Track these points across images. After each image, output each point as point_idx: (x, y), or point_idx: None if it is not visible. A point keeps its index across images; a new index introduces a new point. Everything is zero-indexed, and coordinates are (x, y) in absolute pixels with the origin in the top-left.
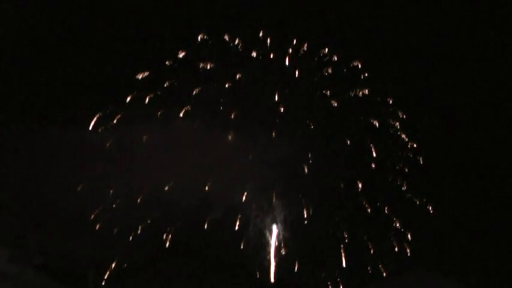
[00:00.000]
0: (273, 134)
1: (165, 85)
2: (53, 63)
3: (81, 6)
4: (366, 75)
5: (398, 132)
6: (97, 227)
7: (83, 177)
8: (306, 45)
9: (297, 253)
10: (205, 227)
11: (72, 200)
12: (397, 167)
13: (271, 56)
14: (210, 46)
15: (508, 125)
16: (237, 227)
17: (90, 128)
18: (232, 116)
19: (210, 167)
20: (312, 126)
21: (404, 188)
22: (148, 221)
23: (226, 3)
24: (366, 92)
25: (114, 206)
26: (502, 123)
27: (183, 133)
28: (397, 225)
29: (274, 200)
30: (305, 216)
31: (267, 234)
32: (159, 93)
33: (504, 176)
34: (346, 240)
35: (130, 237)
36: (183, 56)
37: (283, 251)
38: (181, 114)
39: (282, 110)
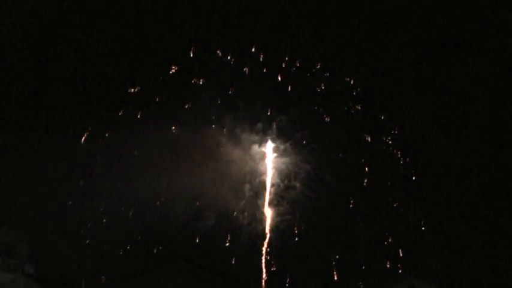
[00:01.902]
0: (266, 145)
1: (157, 99)
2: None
3: (75, 20)
4: (359, 90)
5: (391, 148)
6: (89, 236)
7: (75, 187)
8: (298, 61)
9: (288, 263)
10: (198, 235)
11: (65, 209)
12: (389, 182)
13: (264, 70)
14: (202, 62)
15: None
16: (229, 237)
17: (83, 139)
18: (225, 128)
19: (203, 176)
20: (304, 141)
21: (395, 204)
22: (141, 230)
23: (219, 18)
24: (359, 107)
25: (106, 216)
26: (499, 144)
27: (175, 144)
28: (390, 240)
29: (266, 208)
30: (296, 229)
31: (259, 242)
32: (151, 107)
33: (495, 191)
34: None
35: (123, 247)
36: (175, 71)
37: (274, 263)
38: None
39: (274, 123)
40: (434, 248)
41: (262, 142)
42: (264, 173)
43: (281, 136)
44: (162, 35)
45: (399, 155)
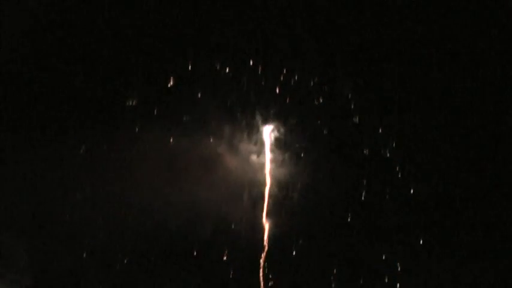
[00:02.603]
0: (265, 155)
1: (155, 111)
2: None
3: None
4: (357, 104)
5: (389, 162)
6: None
7: (72, 198)
8: (296, 73)
9: (287, 277)
10: (194, 247)
11: (63, 220)
12: (387, 197)
13: (262, 83)
14: (201, 73)
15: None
16: (226, 249)
17: (81, 149)
18: (223, 138)
19: (201, 186)
20: (302, 154)
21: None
22: (136, 241)
23: (216, 30)
24: (357, 120)
25: (103, 226)
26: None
27: (172, 154)
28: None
29: (264, 219)
30: (295, 241)
31: (257, 254)
32: (148, 118)
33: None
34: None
35: (119, 258)
36: (173, 84)
37: (272, 277)
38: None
39: (272, 136)
40: (436, 262)
41: (260, 152)
42: (262, 184)
43: (280, 146)
44: (159, 45)
45: (397, 168)
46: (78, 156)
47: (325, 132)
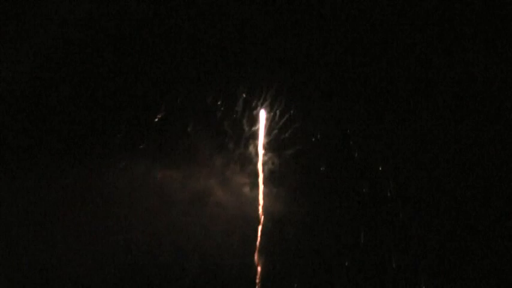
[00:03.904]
0: (258, 190)
1: (141, 146)
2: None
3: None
4: (356, 140)
5: (389, 197)
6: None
7: (56, 234)
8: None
9: None
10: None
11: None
12: (386, 237)
13: (254, 112)
14: (191, 104)
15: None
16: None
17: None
18: (215, 171)
19: (191, 220)
20: (298, 188)
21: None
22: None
23: (207, 60)
24: (356, 155)
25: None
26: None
27: (163, 186)
28: None
29: (256, 256)
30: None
31: None
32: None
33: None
34: None
35: None
36: (161, 117)
37: None
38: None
39: (266, 168)
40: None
41: (254, 185)
42: (255, 219)
43: (274, 179)
44: (146, 78)
45: (397, 208)
46: (63, 190)
47: (322, 168)
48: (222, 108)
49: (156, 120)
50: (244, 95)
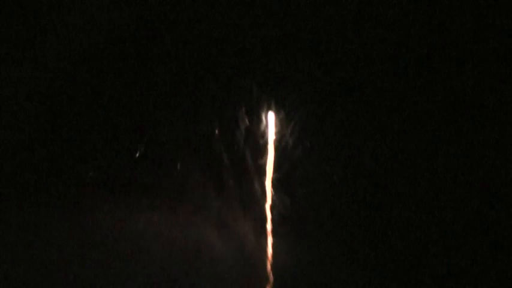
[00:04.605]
0: (266, 240)
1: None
2: None
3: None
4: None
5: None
6: None
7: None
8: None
9: None
10: None
11: None
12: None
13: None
14: (181, 136)
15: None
16: None
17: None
18: (214, 216)
19: (186, 276)
20: (314, 239)
21: None
22: None
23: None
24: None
25: None
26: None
27: (157, 235)
28: None
29: None
30: None
31: None
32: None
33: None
34: None
35: None
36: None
37: None
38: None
39: (276, 212)
40: None
41: (260, 234)
42: (262, 278)
43: (285, 226)
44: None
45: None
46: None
47: (341, 211)
48: (220, 137)
49: (138, 153)
50: (247, 120)
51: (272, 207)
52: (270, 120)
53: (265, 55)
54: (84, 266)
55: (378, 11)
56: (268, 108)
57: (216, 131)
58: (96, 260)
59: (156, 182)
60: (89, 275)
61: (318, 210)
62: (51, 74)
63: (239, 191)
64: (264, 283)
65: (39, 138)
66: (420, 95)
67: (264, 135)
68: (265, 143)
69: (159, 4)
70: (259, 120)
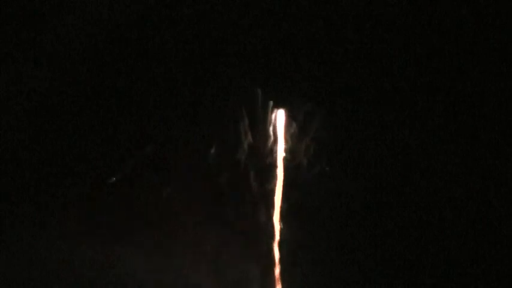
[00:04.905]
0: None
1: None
2: None
3: None
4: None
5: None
6: None
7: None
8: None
9: None
10: None
11: None
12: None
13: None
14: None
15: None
16: None
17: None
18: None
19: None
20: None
21: None
22: None
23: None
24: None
25: None
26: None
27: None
28: None
29: None
30: None
31: None
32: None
33: None
34: None
35: None
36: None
37: None
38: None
39: (285, 248)
40: None
41: (264, 273)
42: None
43: (292, 267)
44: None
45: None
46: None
47: (352, 243)
48: (218, 157)
49: (114, 178)
50: (250, 137)
51: (280, 243)
52: (280, 134)
53: (266, 55)
54: (84, 266)
55: (378, 11)
56: (276, 119)
57: (212, 150)
58: (96, 260)
59: (135, 212)
60: (89, 275)
61: (330, 241)
62: (51, 73)
63: (239, 223)
64: None
65: (39, 138)
66: (420, 95)
67: (272, 153)
68: (273, 164)
69: (159, 4)
70: (266, 137)
